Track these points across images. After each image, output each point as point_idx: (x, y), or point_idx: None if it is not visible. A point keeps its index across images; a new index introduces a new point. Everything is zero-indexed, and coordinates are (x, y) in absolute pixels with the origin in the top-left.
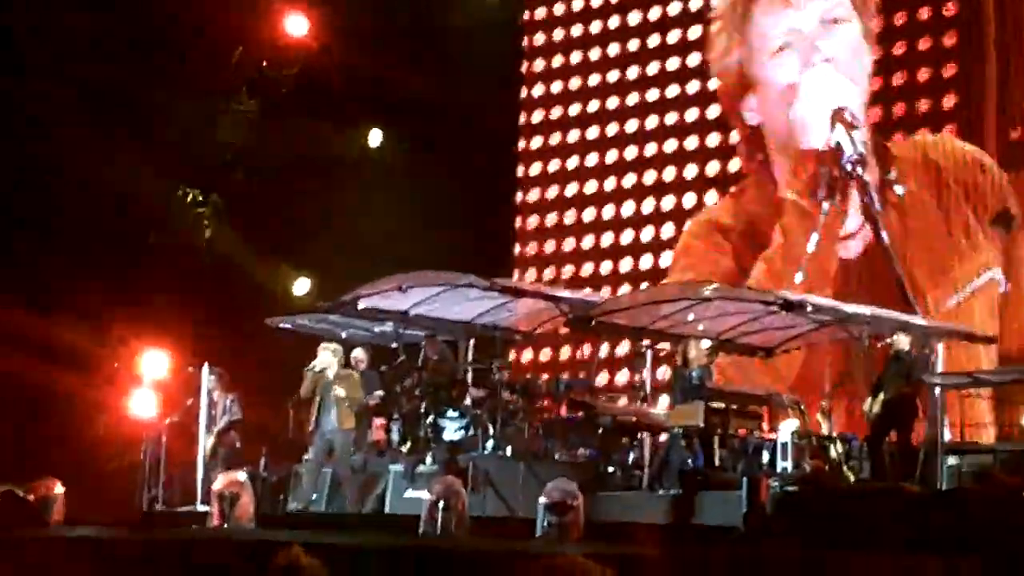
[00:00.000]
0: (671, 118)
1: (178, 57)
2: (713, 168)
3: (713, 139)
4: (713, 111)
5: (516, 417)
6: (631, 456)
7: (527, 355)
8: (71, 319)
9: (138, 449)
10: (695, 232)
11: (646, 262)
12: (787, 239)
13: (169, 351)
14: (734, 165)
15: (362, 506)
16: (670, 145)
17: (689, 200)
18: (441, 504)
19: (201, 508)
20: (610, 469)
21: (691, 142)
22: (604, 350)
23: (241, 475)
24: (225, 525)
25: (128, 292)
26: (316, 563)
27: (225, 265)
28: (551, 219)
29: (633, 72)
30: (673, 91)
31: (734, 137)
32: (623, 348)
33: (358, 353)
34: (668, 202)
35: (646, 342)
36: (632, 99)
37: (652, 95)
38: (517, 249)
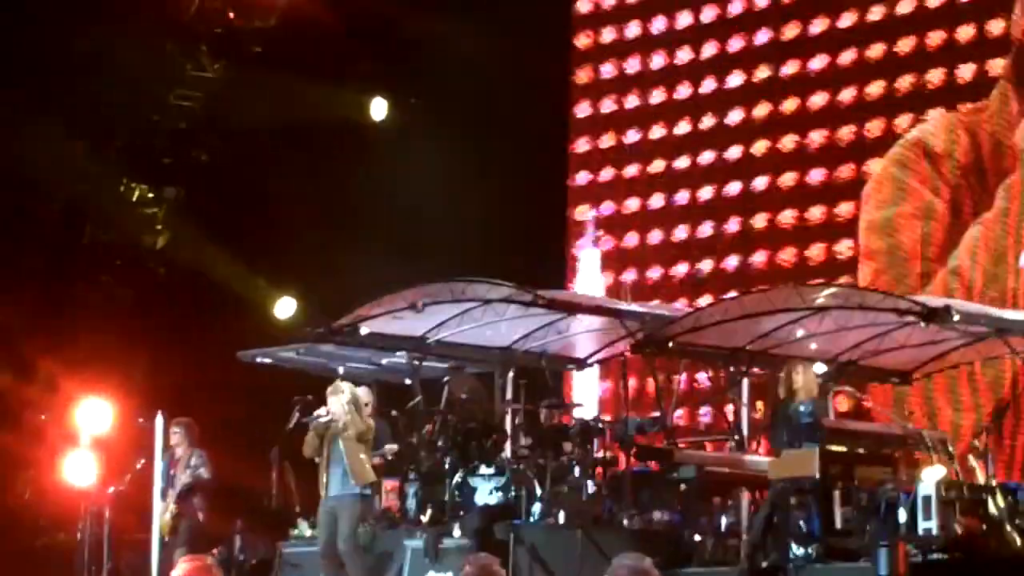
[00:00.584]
0: (761, 73)
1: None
2: (818, 136)
3: (819, 99)
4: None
5: (571, 472)
6: (723, 520)
7: (584, 389)
8: None
9: (74, 526)
10: (899, 158)
11: (732, 262)
12: (1013, 204)
13: (113, 398)
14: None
15: None
16: (761, 109)
17: (787, 178)
18: None
19: None
20: (696, 538)
21: (790, 104)
22: (683, 380)
23: (208, 560)
24: None
25: (57, 318)
26: None
27: (185, 281)
28: (606, 208)
29: (708, 14)
30: (764, 36)
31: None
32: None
33: (361, 394)
34: (760, 182)
35: (741, 368)
36: (709, 50)
37: (735, 44)
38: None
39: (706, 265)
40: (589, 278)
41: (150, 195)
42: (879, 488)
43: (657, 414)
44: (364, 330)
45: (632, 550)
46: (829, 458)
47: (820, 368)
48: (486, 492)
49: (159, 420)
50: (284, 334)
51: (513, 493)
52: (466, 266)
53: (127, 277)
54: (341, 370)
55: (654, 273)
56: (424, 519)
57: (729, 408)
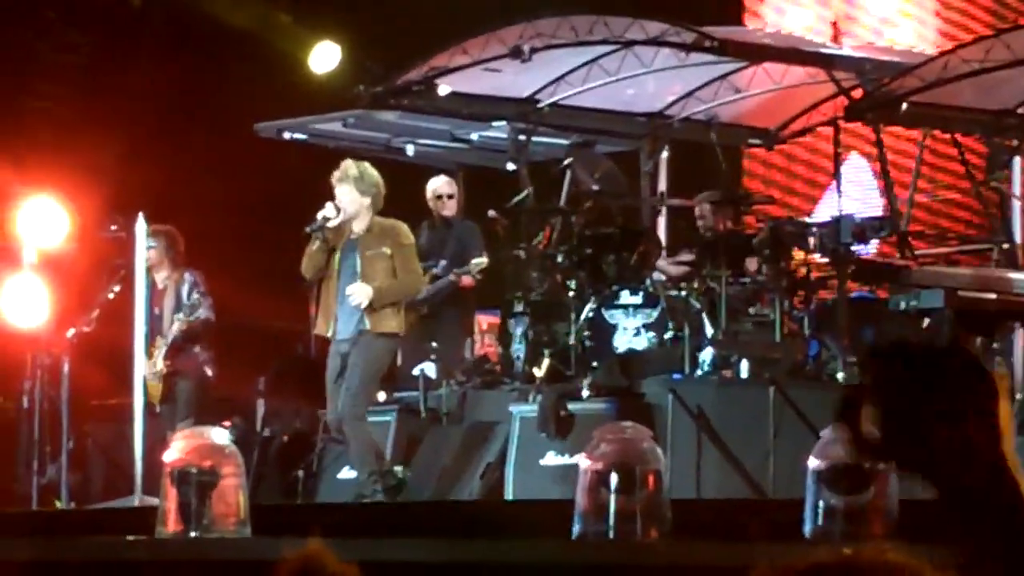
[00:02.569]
0: None
1: None
2: None
3: None
4: None
5: (756, 301)
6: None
7: (773, 176)
8: None
9: (17, 388)
10: None
11: None
12: None
13: (70, 196)
14: None
15: (457, 486)
16: None
17: None
18: (614, 479)
19: (143, 500)
20: None
21: None
22: (922, 158)
23: (220, 434)
24: (192, 533)
25: None
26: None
27: (173, 18)
28: None
29: None
30: None
31: None
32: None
33: (439, 185)
34: None
35: (1010, 140)
36: None
37: None
38: None
39: None
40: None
41: None
42: None
43: (886, 213)
44: (444, 88)
45: None
46: None
47: None
48: (630, 332)
49: (140, 226)
50: (324, 96)
51: (670, 332)
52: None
53: (85, 13)
54: (411, 150)
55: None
56: (539, 373)
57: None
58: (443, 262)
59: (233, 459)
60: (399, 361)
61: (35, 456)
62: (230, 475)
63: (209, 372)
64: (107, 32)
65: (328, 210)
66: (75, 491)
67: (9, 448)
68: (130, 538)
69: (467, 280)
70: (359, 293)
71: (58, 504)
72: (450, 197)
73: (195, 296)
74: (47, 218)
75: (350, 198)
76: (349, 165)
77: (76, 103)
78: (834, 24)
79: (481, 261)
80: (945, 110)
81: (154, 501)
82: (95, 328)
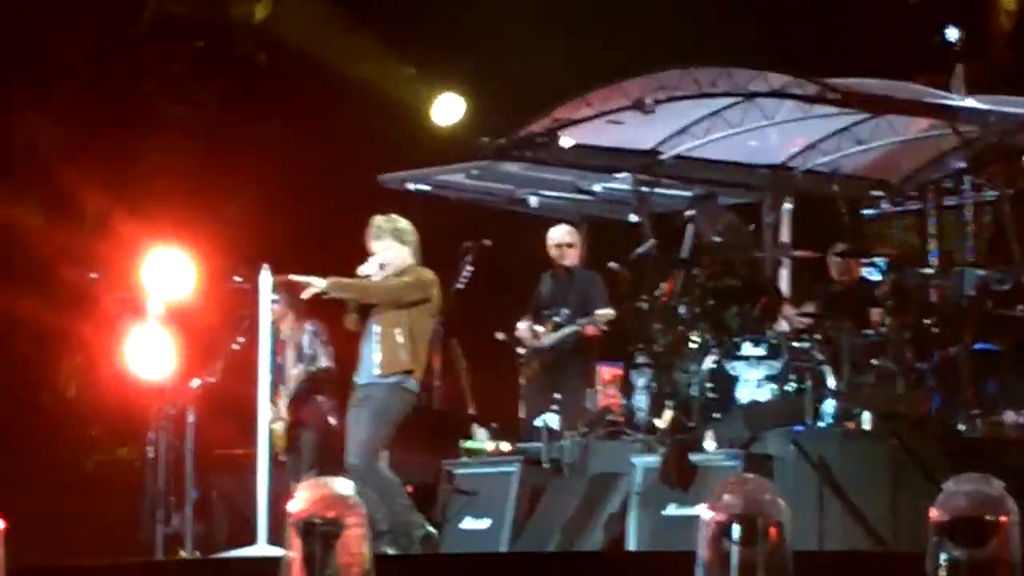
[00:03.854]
0: None
1: None
2: None
3: None
4: None
5: (881, 353)
6: None
7: (897, 226)
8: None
9: (142, 437)
10: None
11: None
12: None
13: (194, 247)
14: None
15: (579, 537)
16: None
17: None
18: (737, 530)
19: (266, 550)
20: None
21: None
22: None
23: (344, 484)
24: None
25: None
26: None
27: (297, 72)
28: None
29: None
30: None
31: None
32: None
33: (560, 235)
34: None
35: None
36: None
37: None
38: None
39: None
40: None
41: None
42: None
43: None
44: (567, 140)
45: (972, 468)
46: None
47: None
48: (752, 383)
49: (265, 277)
50: (447, 148)
51: (793, 384)
52: (711, 48)
53: (210, 68)
54: (534, 201)
55: None
56: (661, 424)
57: None
58: (565, 311)
59: (357, 509)
60: (521, 413)
61: (160, 506)
62: (354, 525)
63: (333, 421)
64: (233, 86)
65: (368, 267)
66: (199, 541)
67: (135, 498)
68: None
69: (592, 330)
70: (311, 283)
71: (182, 554)
72: (570, 246)
73: (316, 345)
74: (173, 270)
75: (394, 252)
76: (380, 220)
77: (202, 157)
78: (960, 74)
79: (608, 312)
80: None
81: (278, 551)
82: (220, 379)
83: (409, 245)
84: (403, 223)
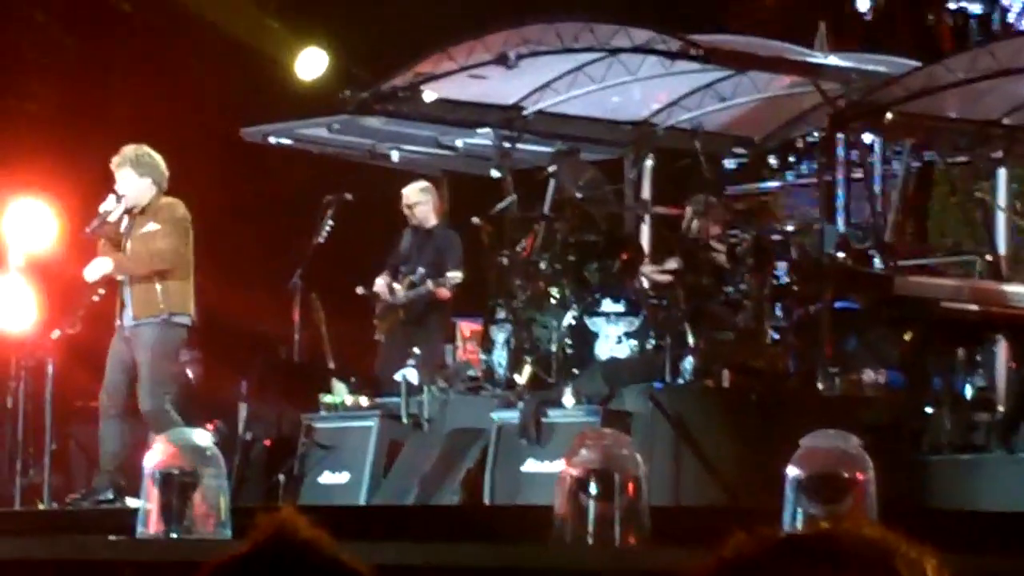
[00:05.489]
0: None
1: None
2: None
3: None
4: None
5: (738, 309)
6: (968, 384)
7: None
8: None
9: (2, 388)
10: None
11: None
12: None
13: (55, 196)
14: None
15: (437, 491)
16: None
17: None
18: (593, 485)
19: (127, 502)
20: (927, 409)
21: None
22: (904, 167)
23: (202, 436)
24: (173, 535)
25: None
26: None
27: (161, 21)
28: None
29: None
30: None
31: None
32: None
33: (408, 193)
34: None
35: (993, 151)
36: None
37: None
38: None
39: None
40: None
41: None
42: None
43: (868, 221)
44: (429, 95)
45: (830, 425)
46: None
47: None
48: (612, 339)
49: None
50: (309, 101)
51: (652, 341)
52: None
53: (74, 15)
54: (395, 155)
55: None
56: (520, 380)
57: (977, 212)
58: (421, 269)
59: (215, 461)
60: (379, 367)
61: (18, 457)
62: (211, 477)
63: (191, 374)
64: (94, 33)
65: (108, 203)
66: (57, 492)
67: None
68: (111, 538)
69: (443, 292)
70: (95, 267)
71: (40, 505)
72: (418, 205)
73: None
74: (34, 221)
75: (129, 182)
76: (127, 149)
77: (62, 104)
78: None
79: (457, 275)
80: (930, 120)
81: (136, 502)
82: (80, 330)
83: (148, 176)
84: (150, 155)
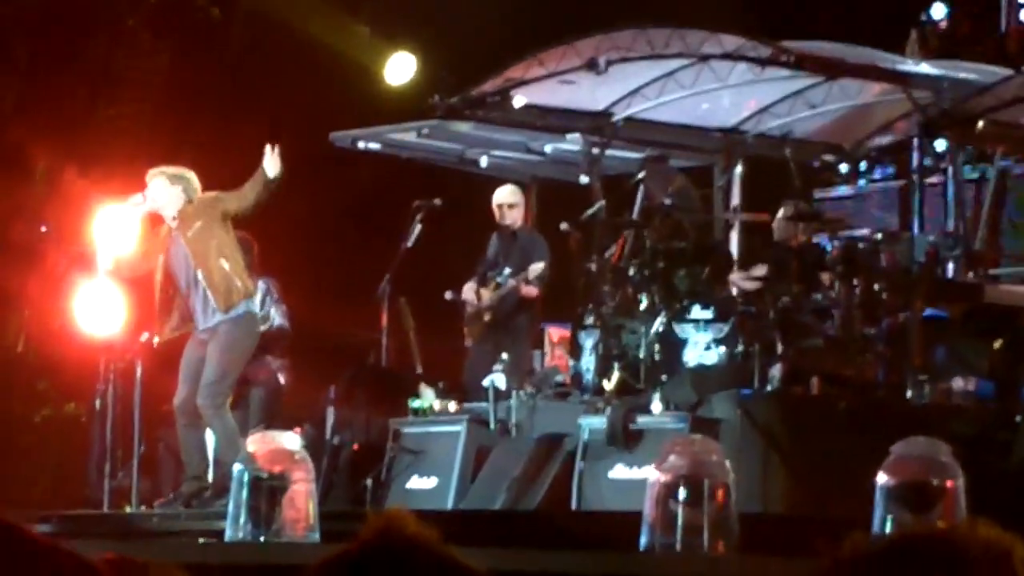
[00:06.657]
0: None
1: None
2: None
3: None
4: None
5: (829, 318)
6: None
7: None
8: None
9: (90, 393)
10: None
11: None
12: None
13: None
14: None
15: (525, 497)
16: None
17: None
18: (682, 492)
19: (215, 505)
20: (1017, 418)
21: None
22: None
23: (291, 440)
24: (261, 539)
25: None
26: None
27: (250, 29)
28: None
29: None
30: None
31: None
32: None
33: (502, 196)
34: None
35: None
36: None
37: None
38: None
39: None
40: None
41: None
42: None
43: (958, 231)
44: (518, 101)
45: (920, 433)
46: None
47: None
48: (700, 346)
49: None
50: (399, 107)
51: (740, 348)
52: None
53: (164, 23)
54: (484, 161)
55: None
56: (608, 386)
57: None
58: (507, 271)
59: (304, 465)
60: (468, 373)
61: (107, 460)
62: (300, 481)
63: (281, 380)
64: (186, 41)
65: (135, 198)
66: (146, 496)
67: (81, 452)
68: (201, 541)
69: (529, 290)
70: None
71: (128, 509)
72: (512, 207)
73: (269, 304)
74: (122, 225)
75: (160, 189)
76: (162, 167)
77: (154, 111)
78: (914, 39)
79: (538, 267)
80: (1019, 129)
81: (223, 505)
82: (170, 336)
83: (180, 185)
84: (184, 173)
